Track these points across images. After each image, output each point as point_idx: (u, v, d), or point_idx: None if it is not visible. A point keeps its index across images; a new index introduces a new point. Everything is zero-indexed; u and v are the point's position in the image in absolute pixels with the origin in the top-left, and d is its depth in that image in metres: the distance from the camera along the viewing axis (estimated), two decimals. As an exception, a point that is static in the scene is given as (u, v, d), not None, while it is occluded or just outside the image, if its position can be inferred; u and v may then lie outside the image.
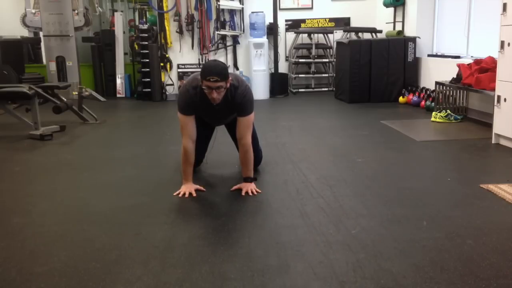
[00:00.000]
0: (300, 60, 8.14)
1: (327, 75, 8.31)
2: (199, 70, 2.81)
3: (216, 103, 2.86)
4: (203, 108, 2.97)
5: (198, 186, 3.05)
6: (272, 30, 7.87)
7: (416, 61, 6.83)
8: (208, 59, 8.19)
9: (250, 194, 2.97)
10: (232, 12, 8.12)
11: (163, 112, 6.70)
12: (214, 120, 3.35)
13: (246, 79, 7.81)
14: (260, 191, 3.01)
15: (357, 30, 7.94)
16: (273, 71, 8.03)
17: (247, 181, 3.04)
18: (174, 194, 2.97)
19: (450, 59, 5.98)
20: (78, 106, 5.82)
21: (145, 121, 6.09)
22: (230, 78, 2.86)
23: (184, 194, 2.96)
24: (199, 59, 8.20)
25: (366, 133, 4.81)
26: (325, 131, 5.01)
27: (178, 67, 8.23)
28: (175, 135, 4.40)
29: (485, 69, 4.76)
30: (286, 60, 8.45)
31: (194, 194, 2.96)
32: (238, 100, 2.94)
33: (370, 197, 2.90)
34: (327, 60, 8.23)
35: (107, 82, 8.45)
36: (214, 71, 2.75)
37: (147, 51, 7.69)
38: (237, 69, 8.22)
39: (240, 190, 3.02)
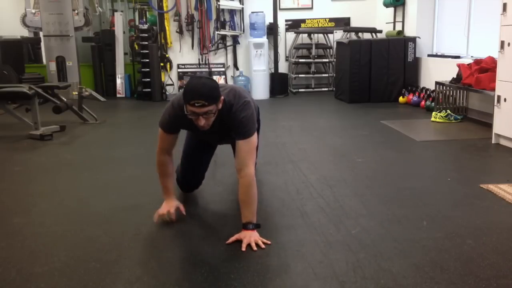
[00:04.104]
0: (300, 60, 8.14)
1: (327, 75, 8.31)
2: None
3: (205, 129, 2.31)
4: (194, 130, 2.50)
5: (179, 205, 2.61)
6: (272, 30, 7.87)
7: (416, 61, 6.83)
8: (208, 59, 8.20)
9: (255, 248, 2.21)
10: (232, 12, 8.13)
11: (163, 112, 6.70)
12: (213, 141, 2.93)
13: (246, 79, 7.88)
14: (269, 242, 2.27)
15: (357, 30, 7.94)
16: (273, 71, 8.03)
17: (248, 229, 2.30)
18: (156, 216, 2.54)
19: (450, 59, 5.98)
20: (78, 106, 5.82)
21: (145, 121, 6.09)
22: (222, 97, 2.28)
23: (164, 215, 2.53)
24: (199, 59, 8.21)
25: (366, 133, 4.81)
26: (325, 131, 5.01)
27: (178, 67, 8.24)
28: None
29: (485, 69, 4.76)
30: (286, 60, 8.46)
31: (173, 217, 2.54)
32: (233, 119, 2.35)
33: (370, 197, 2.90)
34: (327, 60, 8.23)
35: (107, 82, 8.44)
36: (199, 93, 2.15)
37: (147, 51, 7.68)
38: (237, 69, 8.22)
39: (240, 241, 2.27)
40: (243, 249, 2.21)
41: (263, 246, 2.23)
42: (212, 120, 2.26)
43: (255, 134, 2.39)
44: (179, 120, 2.40)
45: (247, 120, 2.33)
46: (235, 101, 2.34)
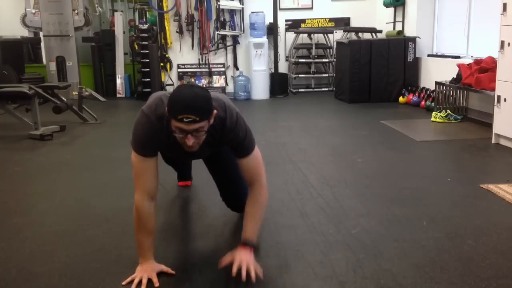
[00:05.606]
0: (300, 60, 8.14)
1: (327, 75, 8.31)
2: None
3: (194, 150, 1.88)
4: (172, 148, 1.96)
5: (162, 267, 1.98)
6: (272, 30, 7.88)
7: (416, 61, 6.83)
8: (208, 59, 8.20)
9: (244, 278, 1.87)
10: (232, 12, 8.13)
11: (163, 112, 6.69)
12: (188, 159, 2.59)
13: (246, 79, 7.88)
14: (262, 276, 1.92)
15: (357, 30, 7.94)
16: (273, 71, 8.03)
17: (246, 246, 1.96)
18: (123, 283, 1.92)
19: (450, 59, 5.98)
20: (78, 106, 5.82)
21: (145, 121, 6.08)
22: (215, 110, 1.83)
23: (140, 283, 1.89)
24: (199, 59, 8.21)
25: (366, 133, 4.81)
26: (325, 131, 5.01)
27: (178, 67, 8.24)
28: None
29: (485, 69, 4.76)
30: (286, 60, 8.46)
31: (157, 284, 1.90)
32: (229, 139, 1.97)
33: (370, 197, 2.91)
34: (327, 60, 8.23)
35: (107, 82, 8.45)
36: (190, 106, 1.71)
37: (147, 51, 7.69)
38: (237, 69, 8.22)
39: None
40: (233, 273, 1.88)
41: (253, 278, 1.87)
42: (203, 139, 1.83)
43: (256, 146, 2.07)
44: (158, 137, 1.90)
45: (246, 137, 1.99)
46: (227, 115, 1.92)
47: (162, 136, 1.88)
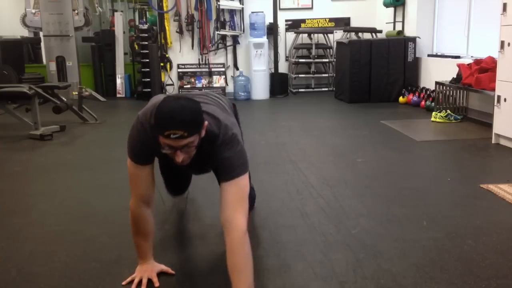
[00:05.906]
0: (300, 60, 8.14)
1: (327, 75, 8.31)
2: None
3: (184, 164, 1.73)
4: (167, 158, 1.78)
5: (162, 267, 1.99)
6: (272, 30, 7.88)
7: (416, 61, 6.83)
8: (208, 59, 8.20)
9: None
10: (232, 12, 8.13)
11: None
12: (188, 171, 2.51)
13: (246, 79, 7.88)
14: None
15: (357, 30, 7.94)
16: (273, 71, 8.03)
17: None
18: (123, 283, 1.93)
19: (450, 59, 5.98)
20: (78, 106, 5.82)
21: (145, 121, 6.08)
22: (206, 122, 1.68)
23: (140, 283, 1.90)
24: (199, 59, 8.21)
25: (366, 133, 4.81)
26: (325, 131, 5.01)
27: (178, 67, 8.23)
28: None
29: (485, 69, 4.76)
30: (286, 60, 8.46)
31: (157, 284, 1.90)
32: (217, 156, 1.76)
33: (370, 197, 2.91)
34: (327, 60, 8.23)
35: (107, 82, 8.45)
36: (177, 120, 1.57)
37: (147, 51, 7.69)
38: (237, 69, 8.22)
39: None
40: None
41: None
42: (194, 153, 1.69)
43: (246, 175, 1.78)
44: (152, 145, 1.74)
45: (235, 159, 1.75)
46: (221, 132, 1.75)
47: (156, 145, 1.69)
